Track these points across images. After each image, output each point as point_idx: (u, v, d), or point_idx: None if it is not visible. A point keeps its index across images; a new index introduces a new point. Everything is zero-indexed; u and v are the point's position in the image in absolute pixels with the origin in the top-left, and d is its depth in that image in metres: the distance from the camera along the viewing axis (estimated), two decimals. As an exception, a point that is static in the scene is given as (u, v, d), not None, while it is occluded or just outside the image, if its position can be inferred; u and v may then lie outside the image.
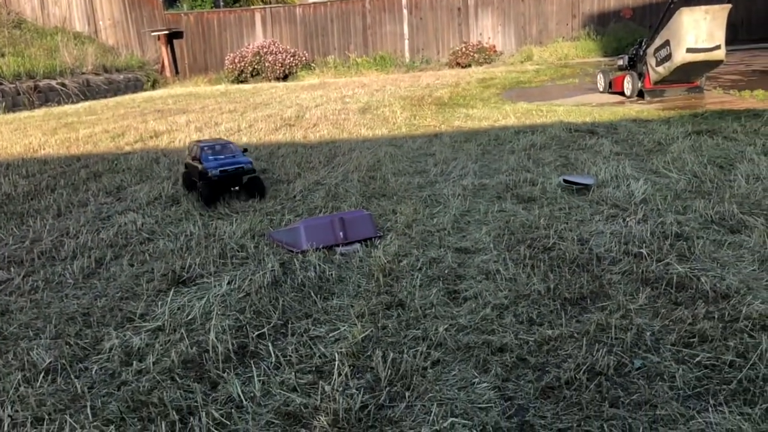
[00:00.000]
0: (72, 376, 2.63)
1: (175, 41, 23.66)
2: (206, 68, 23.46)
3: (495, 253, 3.70)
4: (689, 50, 8.82)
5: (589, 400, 2.22)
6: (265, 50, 21.58)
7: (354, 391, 2.37)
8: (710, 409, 2.15)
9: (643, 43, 10.06)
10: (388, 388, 2.38)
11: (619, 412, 2.16)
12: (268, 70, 21.38)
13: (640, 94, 10.01)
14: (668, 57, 9.10)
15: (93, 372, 2.68)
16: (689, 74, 9.47)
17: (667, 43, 9.09)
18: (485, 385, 2.37)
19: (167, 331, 3.01)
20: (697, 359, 2.45)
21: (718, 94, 9.78)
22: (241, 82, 21.61)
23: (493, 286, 3.22)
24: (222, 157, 5.26)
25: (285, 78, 21.49)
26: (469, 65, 20.69)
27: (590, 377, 2.35)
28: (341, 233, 4.08)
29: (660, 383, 2.32)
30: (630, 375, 2.38)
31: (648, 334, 2.65)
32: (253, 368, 2.58)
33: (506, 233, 4.01)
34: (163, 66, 23.47)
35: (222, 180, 5.20)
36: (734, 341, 2.53)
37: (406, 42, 22.33)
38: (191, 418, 2.28)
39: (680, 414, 2.14)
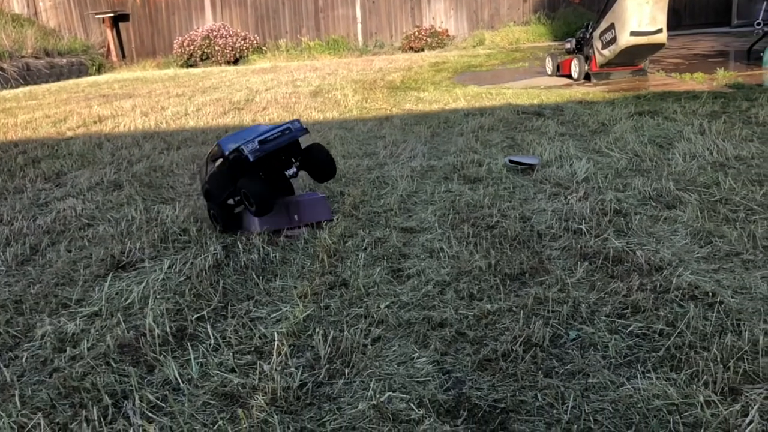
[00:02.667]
0: (0, 365, 2.53)
1: (120, 24, 22.88)
2: (154, 52, 22.80)
3: (440, 231, 3.72)
4: (633, 33, 9.02)
5: (524, 371, 2.26)
6: (214, 34, 21.09)
7: (293, 369, 2.36)
8: (639, 375, 2.21)
9: (590, 27, 10.23)
10: (327, 366, 2.37)
11: (553, 382, 2.20)
12: (218, 54, 20.92)
13: (587, 77, 10.20)
14: (613, 40, 9.28)
15: (23, 360, 2.58)
16: (633, 57, 9.69)
17: (612, 26, 9.27)
18: (424, 359, 2.38)
19: (104, 316, 2.93)
20: (630, 329, 2.52)
21: (660, 77, 10.04)
22: (191, 66, 21.09)
23: (437, 264, 3.24)
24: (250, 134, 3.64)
25: (236, 62, 21.07)
26: (422, 49, 20.69)
27: (526, 349, 2.40)
28: (295, 216, 4.03)
29: (593, 353, 2.38)
30: (565, 346, 2.43)
31: (584, 306, 2.71)
32: (191, 351, 2.53)
33: (451, 212, 4.04)
34: (108, 50, 22.69)
35: (263, 161, 3.60)
36: (665, 311, 2.62)
37: (359, 26, 22.15)
38: (125, 402, 2.23)
39: (611, 381, 2.20)
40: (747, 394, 2.06)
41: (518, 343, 2.42)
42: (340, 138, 6.80)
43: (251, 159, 3.45)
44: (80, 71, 20.53)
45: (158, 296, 3.06)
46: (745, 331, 2.41)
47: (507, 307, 2.73)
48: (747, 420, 1.93)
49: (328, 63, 18.51)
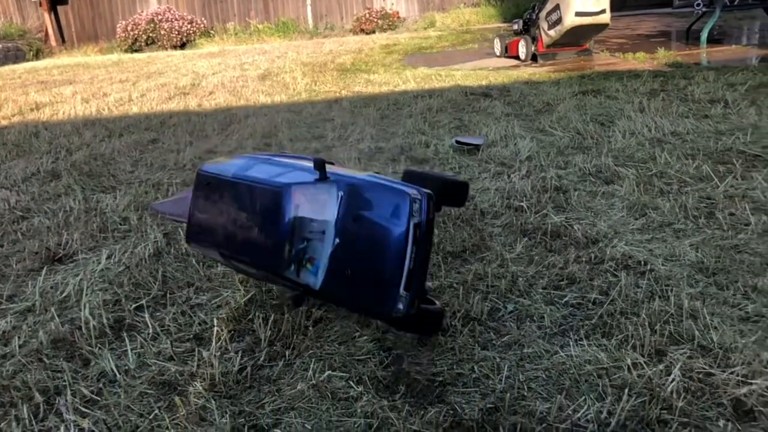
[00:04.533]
0: (-75, 364, 2.43)
1: (59, 8, 21.98)
2: (96, 37, 22.01)
3: (384, 212, 3.72)
4: (578, 14, 9.16)
5: (462, 345, 2.30)
6: (160, 17, 20.49)
7: (233, 354, 2.34)
8: (572, 343, 2.28)
9: (536, 8, 10.34)
10: (267, 349, 2.36)
11: (490, 354, 2.25)
12: (164, 39, 20.35)
13: (534, 58, 10.32)
14: (559, 21, 9.41)
15: (-49, 359, 2.49)
16: (579, 37, 9.85)
17: (557, 7, 9.39)
18: (365, 338, 2.40)
19: (37, 311, 2.84)
20: (565, 300, 2.58)
21: (605, 57, 10.24)
22: (136, 51, 20.46)
23: (380, 244, 3.25)
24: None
25: (182, 46, 20.54)
26: (373, 31, 20.57)
27: (465, 323, 2.43)
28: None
29: (529, 324, 2.43)
30: (502, 319, 2.48)
31: (522, 280, 2.76)
32: (128, 342, 2.48)
33: (397, 193, 4.04)
34: (47, 34, 21.79)
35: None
36: (599, 281, 2.69)
37: (309, 8, 21.86)
38: (57, 398, 2.17)
39: (545, 350, 2.25)
40: (671, 355, 2.15)
41: (457, 318, 2.46)
42: (288, 121, 6.72)
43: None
44: (17, 57, 19.67)
45: (95, 288, 2.98)
46: (673, 296, 2.50)
47: (448, 283, 2.76)
48: (670, 379, 2.01)
49: (277, 46, 18.22)
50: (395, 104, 7.32)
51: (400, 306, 1.91)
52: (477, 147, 5.04)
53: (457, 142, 5.12)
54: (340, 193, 1.96)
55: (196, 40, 20.69)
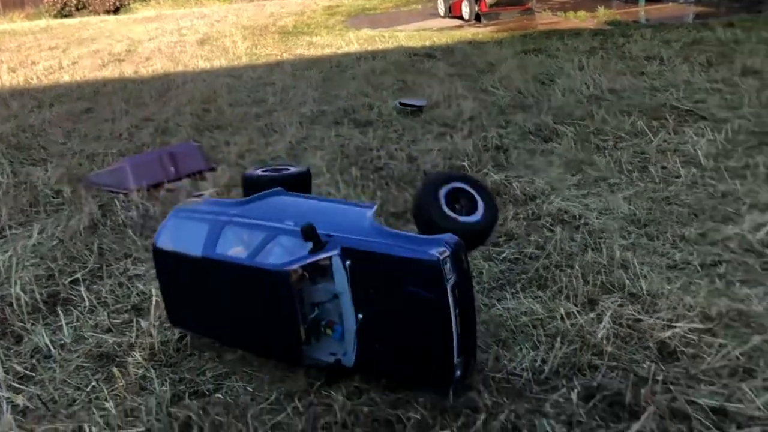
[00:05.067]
0: None
1: (-22, -29, 20.59)
2: (22, 2, 20.77)
3: (328, 176, 3.70)
4: (519, -28, 9.18)
5: (403, 303, 2.33)
6: (90, -20, 19.49)
7: (172, 323, 2.30)
8: (509, 297, 2.34)
9: (478, -33, 10.30)
10: (208, 317, 2.34)
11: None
12: (96, 3, 19.41)
13: (478, 18, 10.32)
14: (500, -21, 9.41)
15: None
16: (520, -4, 9.90)
17: (499, -35, 9.38)
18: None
19: (-35, 289, 2.72)
20: (503, 255, 2.64)
21: (547, 16, 10.33)
22: (65, 16, 19.44)
23: (323, 208, 3.24)
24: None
25: (116, 11, 19.64)
26: (317, -6, 20.08)
27: (406, 282, 2.46)
28: (172, 169, 3.88)
29: (469, 280, 2.47)
30: (443, 276, 2.52)
31: (462, 237, 2.80)
32: (63, 316, 2.41)
33: (340, 157, 4.03)
34: (-33, 1, 20.45)
35: None
36: (536, 236, 2.76)
37: (249, -30, 21.13)
38: (-11, 376, 2.10)
39: (483, 305, 2.31)
40: (602, 303, 2.24)
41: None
42: (228, 86, 6.56)
43: None
44: (-64, 26, 18.42)
45: (27, 263, 2.88)
46: (605, 248, 2.59)
47: (389, 244, 2.78)
48: (600, 326, 2.09)
49: (216, 10, 17.63)
50: (338, 66, 7.23)
51: (458, 373, 1.70)
52: (420, 108, 5.04)
53: (401, 104, 5.11)
54: (347, 263, 1.70)
55: (130, 5, 19.82)
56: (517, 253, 2.65)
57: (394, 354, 1.75)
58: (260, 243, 1.79)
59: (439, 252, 1.61)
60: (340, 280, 1.71)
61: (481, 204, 2.36)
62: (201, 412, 1.81)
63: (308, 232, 1.68)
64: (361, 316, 1.69)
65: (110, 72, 8.12)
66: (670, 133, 3.89)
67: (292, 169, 2.45)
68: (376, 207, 1.89)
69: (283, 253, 1.76)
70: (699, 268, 2.46)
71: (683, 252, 2.57)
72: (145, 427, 1.79)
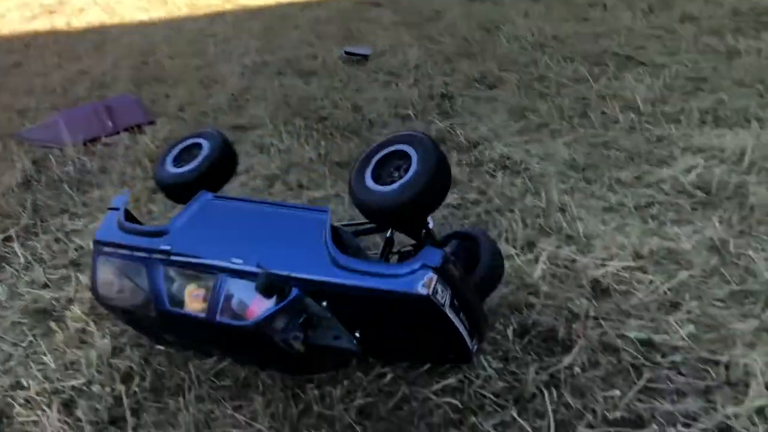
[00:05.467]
0: None
1: None
2: (-61, -52, 19.25)
3: (271, 127, 3.64)
4: None
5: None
6: (13, -76, 18.15)
7: (112, 277, 2.26)
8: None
9: None
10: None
11: (372, 256, 2.31)
12: (22, -51, 18.12)
13: (425, -35, 10.10)
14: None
15: None
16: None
17: None
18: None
19: None
20: (446, 201, 2.66)
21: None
22: (-11, -36, 18.13)
23: (266, 159, 3.20)
24: None
25: (45, -42, 18.42)
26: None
27: (351, 226, 2.47)
28: (109, 122, 3.74)
29: (412, 226, 2.50)
30: (387, 223, 2.54)
31: (406, 185, 2.81)
32: (-4, 273, 2.34)
33: (284, 107, 3.95)
34: None
35: None
36: (478, 182, 2.80)
37: None
38: None
39: (426, 250, 2.34)
40: (540, 245, 2.30)
41: (342, 223, 2.49)
42: (167, 38, 6.29)
43: None
44: None
45: (-45, 222, 2.76)
46: (545, 192, 2.65)
47: (333, 192, 2.78)
48: (537, 267, 2.16)
49: (155, -43, 16.73)
50: (282, 16, 7.01)
51: (474, 348, 1.70)
52: (365, 57, 4.96)
53: (346, 53, 5.02)
54: (323, 303, 1.56)
55: (60, -50, 18.58)
56: (459, 198, 2.69)
57: (407, 351, 1.81)
58: (215, 295, 1.59)
59: (425, 284, 1.49)
60: (320, 309, 1.56)
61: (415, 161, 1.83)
62: (143, 362, 1.80)
63: (268, 289, 1.50)
64: (358, 334, 1.58)
65: (41, 24, 7.67)
66: (610, 79, 3.96)
67: (205, 148, 1.99)
68: (329, 213, 1.67)
69: (244, 301, 1.58)
70: (633, 210, 2.54)
71: (619, 194, 2.66)
72: (85, 378, 1.78)
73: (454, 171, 2.89)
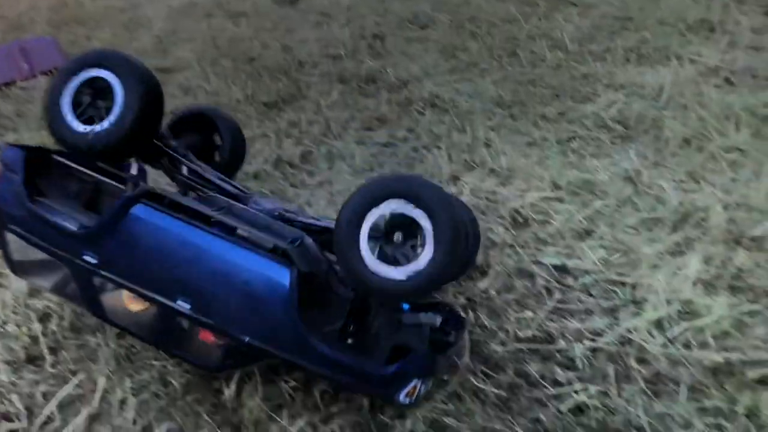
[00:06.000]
0: None
1: None
2: None
3: (198, 69, 3.53)
4: None
5: (273, 188, 2.34)
6: None
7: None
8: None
9: None
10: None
11: (301, 191, 2.32)
12: None
13: None
14: None
15: None
16: None
17: None
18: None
19: None
20: (375, 139, 2.68)
21: None
22: None
23: (192, 101, 3.12)
24: None
25: None
26: None
27: (277, 167, 2.46)
28: (25, 65, 3.54)
29: (340, 164, 2.51)
30: (315, 162, 2.54)
31: (335, 124, 2.81)
32: None
33: (212, 49, 3.83)
34: None
35: None
36: (407, 120, 2.81)
37: None
38: None
39: (354, 186, 2.35)
40: (464, 179, 2.35)
41: (269, 163, 2.47)
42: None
43: None
44: None
45: None
46: (471, 128, 2.69)
47: (261, 132, 2.74)
48: (461, 199, 2.21)
49: None
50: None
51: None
52: (298, -2, 4.83)
53: (278, -7, 4.87)
54: None
55: None
56: (388, 136, 2.70)
57: None
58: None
59: (408, 394, 1.39)
60: None
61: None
62: (61, 303, 1.77)
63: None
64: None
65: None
66: (540, 19, 3.99)
67: (118, 91, 1.55)
68: (293, 273, 1.35)
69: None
70: (555, 144, 2.62)
71: (542, 130, 2.72)
72: (0, 320, 1.74)
73: (384, 109, 2.90)
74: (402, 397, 1.37)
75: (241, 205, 1.57)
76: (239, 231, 1.42)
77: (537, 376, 1.63)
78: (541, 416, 1.51)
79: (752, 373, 1.62)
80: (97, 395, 1.55)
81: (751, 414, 1.53)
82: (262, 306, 1.35)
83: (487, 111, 2.89)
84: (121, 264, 1.42)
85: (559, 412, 1.54)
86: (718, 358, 1.65)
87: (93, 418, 1.52)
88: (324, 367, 1.35)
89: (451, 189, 2.29)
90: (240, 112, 2.94)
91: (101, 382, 1.57)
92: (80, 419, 1.50)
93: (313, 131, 2.74)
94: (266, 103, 3.03)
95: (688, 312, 1.79)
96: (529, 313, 1.80)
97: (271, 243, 1.38)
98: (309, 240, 1.42)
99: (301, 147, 2.62)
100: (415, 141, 2.63)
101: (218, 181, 1.68)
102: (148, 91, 1.54)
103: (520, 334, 1.72)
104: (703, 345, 1.69)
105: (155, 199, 1.45)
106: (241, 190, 1.68)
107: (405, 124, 2.77)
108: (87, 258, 1.41)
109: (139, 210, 1.42)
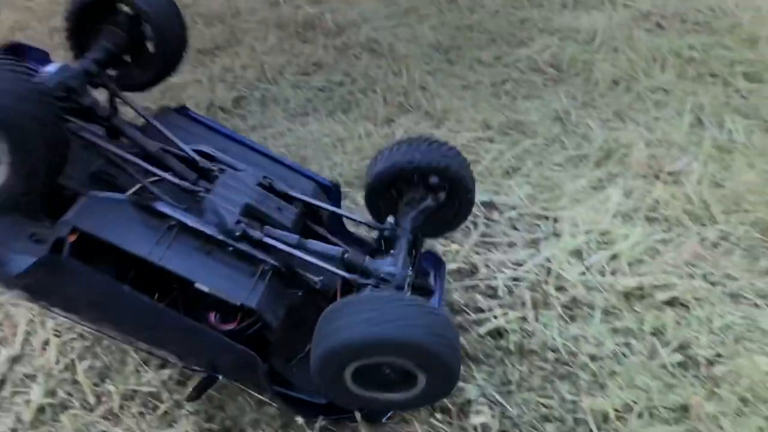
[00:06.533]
0: None
1: None
2: None
3: (130, 15, 3.40)
4: None
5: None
6: None
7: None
8: (312, 121, 2.40)
9: None
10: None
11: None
12: None
13: None
14: None
15: None
16: None
17: None
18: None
19: None
20: (311, 84, 2.66)
21: None
22: None
23: (123, 47, 3.01)
24: None
25: None
26: None
27: (209, 111, 2.43)
28: None
29: (275, 108, 2.50)
30: (248, 107, 2.51)
31: (270, 68, 2.76)
32: None
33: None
34: None
35: None
36: (344, 64, 2.79)
37: None
38: None
39: (288, 129, 2.36)
40: (398, 121, 2.37)
41: (201, 108, 2.44)
42: None
43: None
44: None
45: None
46: (407, 72, 2.69)
47: (194, 78, 2.69)
48: (394, 139, 2.23)
49: None
50: None
51: None
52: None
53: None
54: None
55: None
56: (324, 81, 2.68)
57: None
58: None
59: None
60: None
61: None
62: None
63: None
64: None
65: None
66: (481, -34, 3.96)
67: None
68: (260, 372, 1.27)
69: None
70: (489, 87, 2.65)
71: (477, 74, 2.74)
72: None
73: (321, 54, 2.87)
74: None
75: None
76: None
77: (461, 303, 1.69)
78: (463, 340, 1.57)
79: (661, 296, 1.72)
80: (19, 338, 1.54)
81: (658, 332, 1.64)
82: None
83: (425, 56, 2.88)
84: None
85: (480, 336, 1.61)
86: (632, 282, 1.74)
87: (14, 360, 1.51)
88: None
89: (385, 130, 2.31)
90: (172, 58, 2.86)
91: (22, 324, 1.56)
92: (1, 360, 1.49)
93: (248, 76, 2.69)
94: (200, 49, 2.95)
95: (606, 242, 1.87)
96: (455, 246, 1.85)
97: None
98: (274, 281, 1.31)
99: (235, 92, 2.58)
100: (351, 85, 2.63)
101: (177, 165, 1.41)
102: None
103: (447, 266, 1.77)
104: (618, 271, 1.78)
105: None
106: (203, 170, 1.42)
107: (342, 69, 2.75)
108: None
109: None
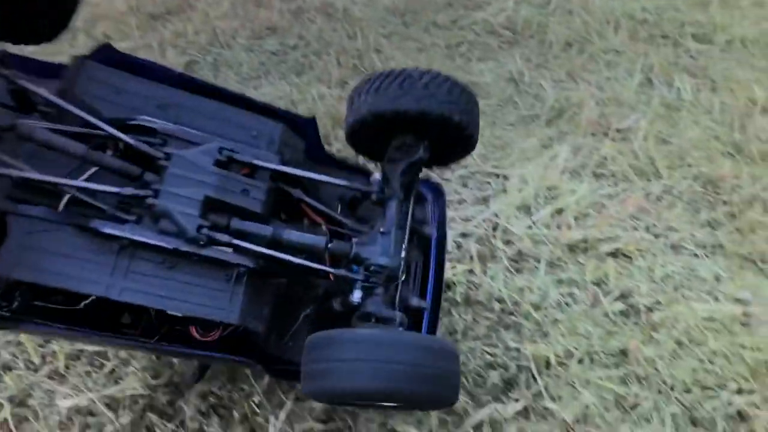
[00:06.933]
0: None
1: None
2: None
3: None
4: None
5: (154, 97, 2.27)
6: None
7: None
8: (265, 84, 2.38)
9: None
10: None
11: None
12: None
13: None
14: None
15: None
16: None
17: None
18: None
19: None
20: (265, 47, 2.62)
21: None
22: None
23: (71, 12, 2.92)
24: None
25: None
26: None
27: (159, 77, 2.38)
28: None
29: (227, 71, 2.46)
30: (200, 71, 2.47)
31: (224, 33, 2.72)
32: None
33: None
34: None
35: None
36: (299, 28, 2.76)
37: None
38: None
39: (240, 91, 2.32)
40: (352, 83, 2.36)
41: (150, 73, 2.39)
42: None
43: None
44: None
45: None
46: (362, 36, 2.67)
47: (144, 43, 2.63)
48: (344, 102, 2.22)
49: None
50: None
51: None
52: None
53: None
54: None
55: None
56: (278, 44, 2.64)
57: None
58: None
59: None
60: None
61: None
62: None
63: None
64: None
65: None
66: (441, -70, 3.93)
67: None
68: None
69: None
70: (444, 49, 2.64)
71: (433, 36, 2.74)
72: None
73: (275, 18, 2.83)
74: None
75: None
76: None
77: (409, 259, 1.71)
78: (410, 294, 1.60)
79: (605, 247, 1.76)
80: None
81: (601, 282, 1.68)
82: None
83: (381, 19, 2.86)
84: None
85: (427, 289, 1.63)
86: (577, 235, 1.78)
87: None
88: None
89: (338, 92, 2.30)
90: (121, 23, 2.80)
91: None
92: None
93: (200, 41, 2.64)
94: (152, 14, 2.89)
95: (553, 197, 1.90)
96: (405, 205, 1.86)
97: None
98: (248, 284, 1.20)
99: (186, 57, 2.53)
100: (305, 48, 2.60)
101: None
102: None
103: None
104: (564, 225, 1.82)
105: None
106: (146, 157, 1.20)
107: (296, 32, 2.72)
108: None
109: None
